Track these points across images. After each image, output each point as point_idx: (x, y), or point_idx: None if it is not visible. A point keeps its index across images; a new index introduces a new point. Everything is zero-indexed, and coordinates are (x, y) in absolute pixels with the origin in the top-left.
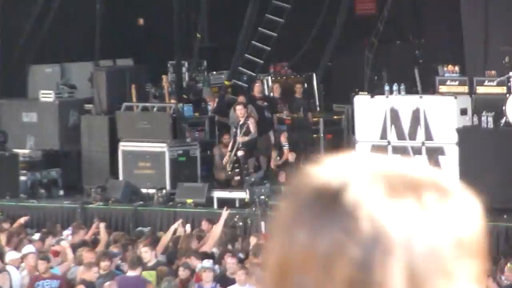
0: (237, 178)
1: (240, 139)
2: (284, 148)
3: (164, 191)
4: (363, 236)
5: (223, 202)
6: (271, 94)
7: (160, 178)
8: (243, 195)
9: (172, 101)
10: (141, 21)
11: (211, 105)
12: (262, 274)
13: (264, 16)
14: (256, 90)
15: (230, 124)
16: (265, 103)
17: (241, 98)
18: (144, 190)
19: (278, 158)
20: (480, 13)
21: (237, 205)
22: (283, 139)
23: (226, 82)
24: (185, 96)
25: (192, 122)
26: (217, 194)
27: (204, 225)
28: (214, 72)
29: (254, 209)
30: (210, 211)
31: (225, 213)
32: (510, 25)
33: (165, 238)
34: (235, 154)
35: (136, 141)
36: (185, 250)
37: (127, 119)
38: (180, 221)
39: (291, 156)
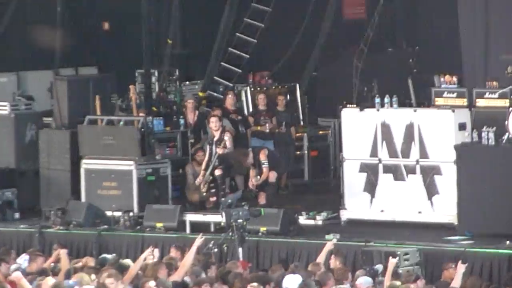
0: (213, 199)
1: (219, 150)
2: (264, 166)
3: (131, 214)
4: None
5: (196, 226)
6: (247, 105)
7: (126, 199)
8: (219, 218)
9: (141, 114)
10: (106, 26)
11: (191, 117)
12: None
13: (243, 20)
14: (229, 102)
15: (205, 141)
16: (239, 117)
17: (216, 112)
18: (109, 213)
19: (258, 177)
20: (479, 18)
21: (212, 229)
22: (263, 156)
23: (200, 94)
24: (154, 109)
25: (162, 138)
26: (190, 217)
27: (172, 252)
28: (187, 82)
29: (230, 234)
30: (182, 236)
31: (198, 240)
32: None
33: (134, 268)
34: (211, 173)
35: (100, 159)
36: (152, 279)
37: (91, 134)
38: (150, 248)
39: (271, 176)
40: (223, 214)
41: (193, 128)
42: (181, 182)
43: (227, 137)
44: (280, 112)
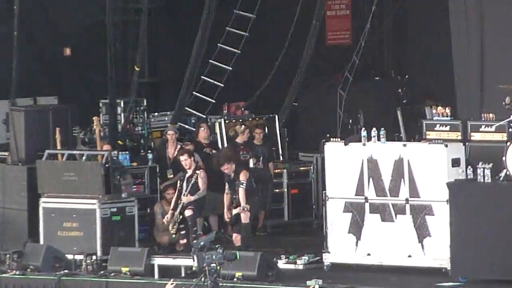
0: (183, 241)
1: (185, 199)
2: (241, 186)
3: (94, 257)
4: None
5: (165, 271)
6: (222, 138)
7: (89, 241)
8: (190, 262)
9: (105, 147)
10: (67, 51)
11: (171, 151)
12: None
13: (217, 45)
14: (202, 135)
15: (178, 178)
16: (214, 151)
17: (188, 146)
18: (69, 256)
19: (244, 203)
20: (474, 45)
21: (182, 274)
22: (243, 176)
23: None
24: (120, 142)
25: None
26: (159, 261)
27: None
28: (156, 113)
29: (203, 279)
30: (150, 281)
31: (169, 286)
32: (510, 59)
33: None
34: (181, 213)
35: (60, 197)
36: None
37: (50, 170)
38: None
39: (244, 216)
40: (195, 257)
41: (172, 162)
42: (149, 222)
43: (200, 177)
44: (257, 146)
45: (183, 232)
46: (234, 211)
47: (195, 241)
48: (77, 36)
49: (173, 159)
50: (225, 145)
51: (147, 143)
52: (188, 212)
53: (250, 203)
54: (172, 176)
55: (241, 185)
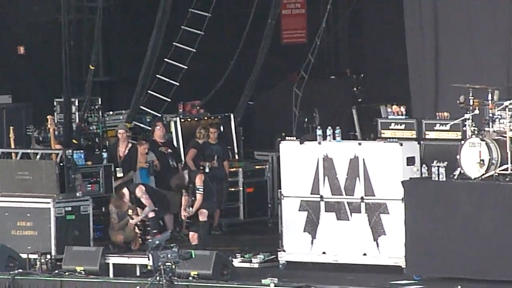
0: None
1: (135, 220)
2: (198, 192)
3: (48, 256)
4: None
5: (120, 270)
6: (178, 137)
7: (43, 240)
8: (145, 261)
9: (58, 146)
10: (21, 50)
11: (122, 149)
12: None
13: (172, 44)
14: (157, 134)
15: (128, 178)
16: (169, 150)
17: (144, 145)
18: (23, 255)
19: (191, 208)
20: (429, 45)
21: (137, 273)
22: (199, 181)
23: (126, 125)
24: (75, 141)
25: (83, 173)
26: (114, 260)
27: None
28: (111, 112)
29: (158, 278)
30: (105, 281)
31: None
32: (464, 58)
33: None
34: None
35: (14, 196)
36: None
37: (4, 169)
38: None
39: (202, 214)
40: (150, 256)
41: (122, 161)
42: (104, 221)
43: (140, 194)
44: (212, 145)
45: (148, 228)
46: (193, 209)
47: (150, 240)
48: (31, 35)
49: (123, 158)
50: (181, 143)
51: (102, 142)
52: (150, 214)
53: (208, 203)
54: (122, 175)
55: (197, 191)
